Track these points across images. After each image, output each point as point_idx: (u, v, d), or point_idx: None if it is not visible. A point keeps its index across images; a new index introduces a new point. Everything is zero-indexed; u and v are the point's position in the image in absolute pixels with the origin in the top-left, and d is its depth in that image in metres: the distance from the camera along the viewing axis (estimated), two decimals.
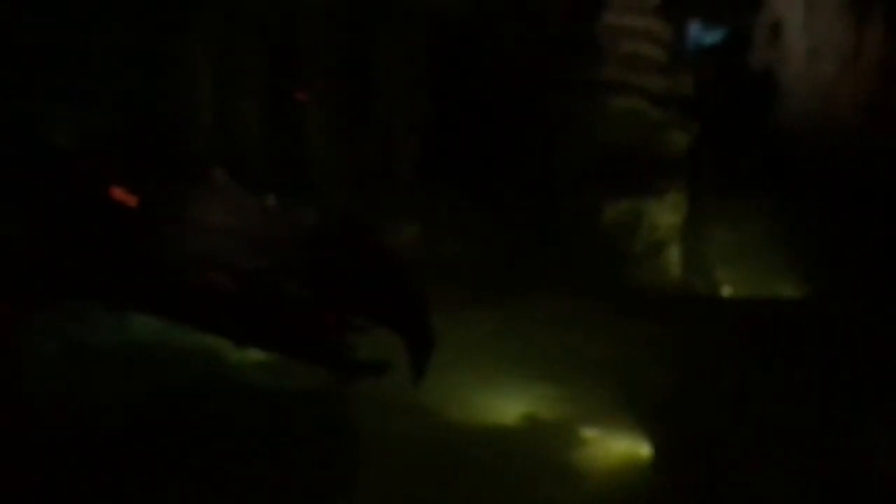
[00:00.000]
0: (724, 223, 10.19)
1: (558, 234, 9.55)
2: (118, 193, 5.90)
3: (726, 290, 10.02)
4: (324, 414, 6.23)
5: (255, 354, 6.40)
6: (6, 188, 5.85)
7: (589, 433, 6.79)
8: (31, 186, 5.90)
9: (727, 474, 6.15)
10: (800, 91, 10.74)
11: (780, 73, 10.97)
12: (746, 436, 6.47)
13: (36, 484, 4.85)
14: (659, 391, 7.21)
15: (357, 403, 6.26)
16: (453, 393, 6.78)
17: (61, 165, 6.19)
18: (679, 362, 7.67)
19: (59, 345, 6.21)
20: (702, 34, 12.03)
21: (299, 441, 5.85)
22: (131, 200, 5.91)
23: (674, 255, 9.71)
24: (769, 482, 6.04)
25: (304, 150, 9.82)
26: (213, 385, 6.40)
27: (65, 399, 5.65)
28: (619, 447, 6.65)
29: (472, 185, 9.69)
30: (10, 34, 8.52)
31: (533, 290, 8.79)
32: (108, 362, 6.39)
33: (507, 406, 6.97)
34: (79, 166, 6.15)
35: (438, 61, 9.88)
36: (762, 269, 9.94)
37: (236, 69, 9.79)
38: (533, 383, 7.32)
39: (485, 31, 10.22)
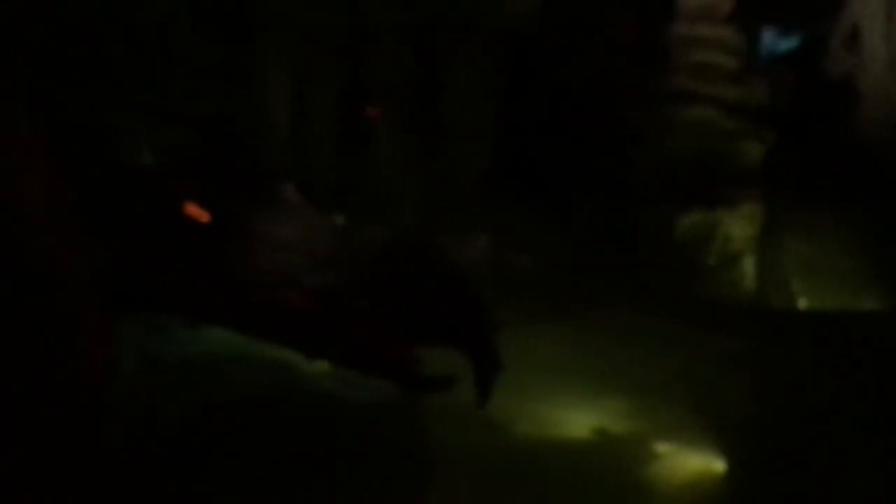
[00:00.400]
0: (801, 234, 9.97)
1: (630, 246, 9.45)
2: (191, 209, 6.00)
3: (803, 303, 9.80)
4: (396, 425, 6.24)
5: (328, 365, 6.45)
6: (86, 204, 5.99)
7: (662, 447, 6.70)
8: (109, 203, 6.04)
9: (805, 493, 6.01)
10: (879, 99, 10.47)
11: (858, 81, 10.71)
12: (825, 453, 6.32)
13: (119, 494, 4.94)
14: (734, 405, 7.09)
15: (428, 416, 6.27)
16: (524, 406, 6.75)
17: (137, 181, 6.33)
18: (754, 376, 7.53)
19: (136, 357, 6.34)
20: (776, 42, 11.84)
21: (371, 452, 5.87)
22: (204, 216, 6.00)
23: (748, 268, 9.53)
24: (849, 502, 5.88)
25: (374, 166, 9.91)
26: (287, 395, 6.47)
27: (142, 411, 5.75)
28: (693, 462, 6.55)
29: (541, 197, 9.65)
30: (86, 52, 8.74)
31: (605, 302, 8.71)
32: (184, 374, 6.50)
33: (579, 419, 6.92)
34: (154, 182, 6.28)
35: (507, 74, 9.88)
36: (840, 281, 9.71)
37: (309, 86, 9.94)
38: (605, 396, 7.26)
39: (553, 43, 10.20)
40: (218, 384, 6.42)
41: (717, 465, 6.49)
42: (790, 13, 11.52)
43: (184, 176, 6.39)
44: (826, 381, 7.23)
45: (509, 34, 9.88)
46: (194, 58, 9.42)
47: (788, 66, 11.51)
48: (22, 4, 8.29)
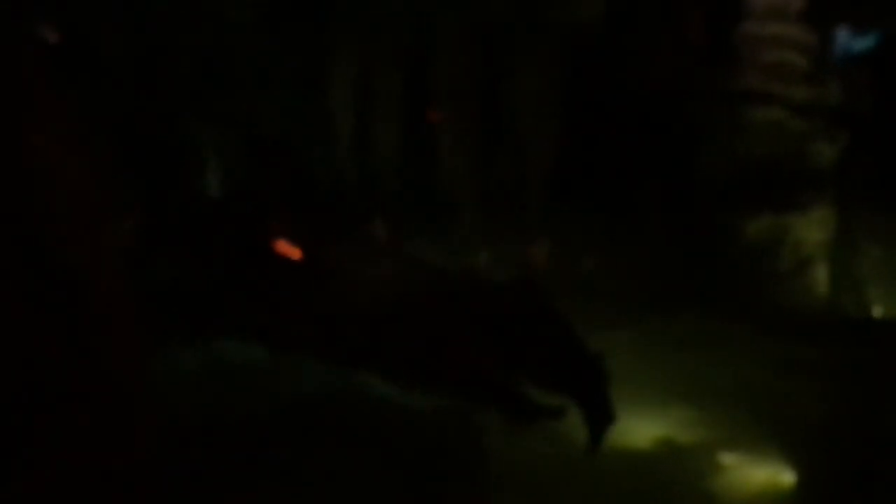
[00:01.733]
0: (875, 239, 9.68)
1: (697, 250, 9.27)
2: (283, 247, 6.03)
3: (878, 311, 9.51)
4: (455, 431, 6.17)
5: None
6: (173, 239, 6.11)
7: (728, 459, 6.53)
8: (195, 237, 6.13)
9: None
10: None
11: None
12: None
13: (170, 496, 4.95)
14: (804, 416, 6.89)
15: (488, 423, 6.18)
16: None
17: (226, 216, 6.38)
18: (826, 386, 7.31)
19: (197, 359, 6.37)
20: (851, 41, 11.48)
21: (431, 457, 5.81)
22: (295, 254, 6.03)
23: (821, 274, 9.28)
24: None
25: (437, 170, 9.88)
26: (347, 399, 6.45)
27: (202, 412, 5.78)
28: (760, 475, 6.37)
29: (606, 201, 9.52)
30: (155, 63, 8.87)
31: (671, 309, 8.56)
32: (245, 376, 6.53)
33: (643, 429, 6.77)
34: (244, 217, 6.32)
35: (572, 74, 9.77)
36: None
37: (373, 91, 9.96)
38: (670, 405, 7.11)
39: (620, 43, 10.05)
40: (277, 386, 6.43)
41: (786, 478, 6.30)
42: (865, 11, 11.16)
43: (274, 212, 6.40)
44: None
45: (576, 35, 9.78)
46: (259, 67, 9.52)
47: (864, 66, 11.17)
48: (94, 17, 8.45)
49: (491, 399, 5.81)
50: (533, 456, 6.05)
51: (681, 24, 10.07)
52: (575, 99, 9.82)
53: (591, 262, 9.18)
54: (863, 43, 11.57)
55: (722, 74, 9.88)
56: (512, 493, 5.81)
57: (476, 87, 9.83)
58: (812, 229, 9.30)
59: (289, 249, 6.01)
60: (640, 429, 6.74)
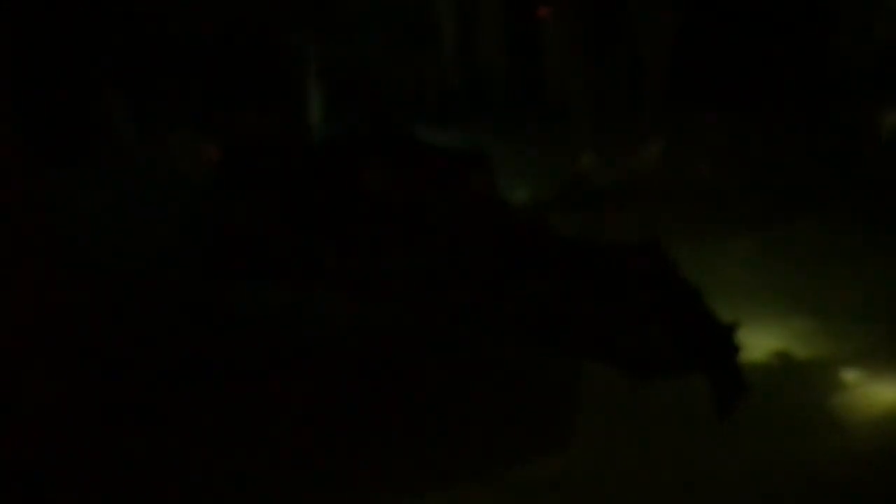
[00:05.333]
0: None
1: (828, 149, 8.60)
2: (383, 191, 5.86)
3: None
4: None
5: None
6: (255, 178, 6.00)
7: (851, 376, 6.04)
8: (280, 179, 6.00)
9: None
10: None
11: None
12: None
13: None
14: None
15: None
16: None
17: (317, 158, 6.22)
18: None
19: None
20: None
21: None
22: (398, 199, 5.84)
23: None
24: None
25: (545, 72, 9.47)
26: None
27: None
28: (886, 393, 5.86)
29: (728, 97, 8.91)
30: None
31: (797, 214, 8.04)
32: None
33: (759, 341, 6.32)
34: (336, 161, 6.13)
35: None
36: None
37: None
38: (790, 317, 6.65)
39: None
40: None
41: None
42: None
43: (366, 150, 6.18)
44: None
45: None
46: None
47: None
48: None
49: (614, 358, 5.56)
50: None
51: None
52: None
53: (709, 165, 8.63)
54: None
55: None
56: (610, 415, 5.54)
57: None
58: None
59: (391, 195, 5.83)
60: (756, 342, 6.30)
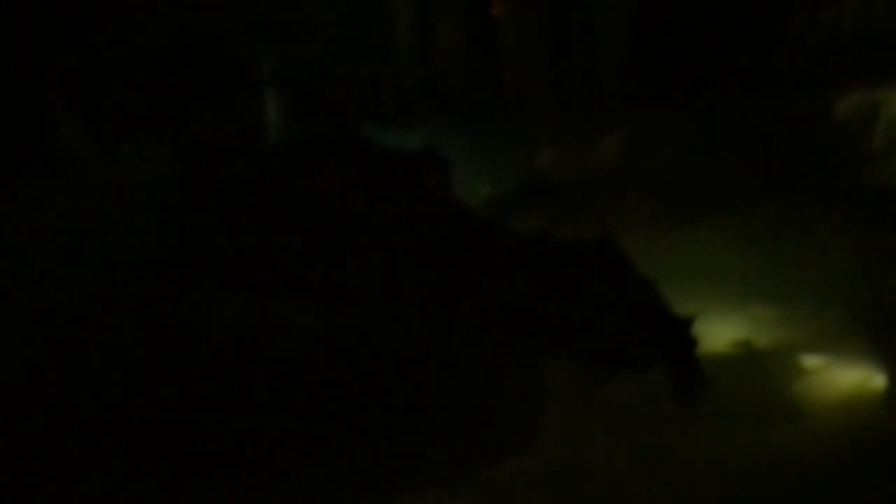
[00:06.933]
0: None
1: (782, 134, 8.65)
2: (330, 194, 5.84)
3: None
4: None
5: None
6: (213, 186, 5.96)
7: (812, 361, 6.09)
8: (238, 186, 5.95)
9: None
10: None
11: None
12: None
13: None
14: None
15: None
16: None
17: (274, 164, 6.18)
18: None
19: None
20: None
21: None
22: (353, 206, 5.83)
23: None
24: None
25: (501, 69, 9.45)
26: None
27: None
28: (848, 379, 5.91)
29: (685, 85, 8.92)
30: None
31: (754, 197, 8.07)
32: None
33: (721, 330, 6.37)
34: (291, 167, 6.10)
35: None
36: None
37: None
38: (749, 303, 6.69)
39: None
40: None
41: (875, 381, 5.84)
42: None
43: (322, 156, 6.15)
44: None
45: None
46: None
47: None
48: None
49: (576, 355, 5.58)
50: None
51: None
52: None
53: (668, 153, 8.65)
54: None
55: None
56: (583, 403, 5.55)
57: None
58: None
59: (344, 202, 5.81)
60: (717, 331, 6.33)
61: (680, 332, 5.50)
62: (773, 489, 5.01)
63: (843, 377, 5.94)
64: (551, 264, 5.71)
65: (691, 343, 5.50)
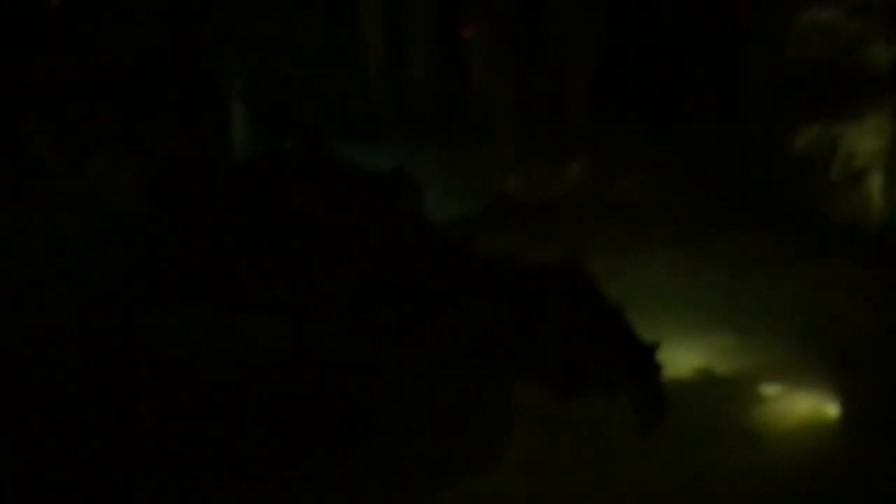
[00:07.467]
0: None
1: (744, 164, 8.81)
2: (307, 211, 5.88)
3: None
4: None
5: None
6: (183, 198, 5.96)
7: (770, 389, 6.23)
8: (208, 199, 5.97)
9: None
10: None
11: None
12: None
13: None
14: (854, 342, 6.53)
15: None
16: None
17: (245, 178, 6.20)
18: (880, 307, 6.93)
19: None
20: None
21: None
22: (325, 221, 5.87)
23: (875, 186, 8.75)
24: None
25: (470, 88, 9.55)
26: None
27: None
28: (803, 406, 6.05)
29: (649, 114, 9.09)
30: None
31: (714, 227, 8.21)
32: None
33: (683, 358, 6.48)
34: (263, 182, 6.12)
35: None
36: None
37: (404, 8, 9.62)
38: (711, 332, 6.81)
39: None
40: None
41: (830, 410, 5.98)
42: None
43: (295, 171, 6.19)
44: None
45: None
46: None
47: None
48: None
49: (541, 376, 5.65)
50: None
51: None
52: (615, 6, 9.35)
53: (630, 180, 8.79)
54: None
55: None
56: (540, 426, 5.62)
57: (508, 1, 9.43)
58: (866, 138, 8.74)
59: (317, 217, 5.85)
60: (678, 358, 6.44)
61: (645, 356, 5.60)
62: None
63: (799, 405, 6.07)
64: (518, 286, 5.79)
65: (656, 367, 5.60)
